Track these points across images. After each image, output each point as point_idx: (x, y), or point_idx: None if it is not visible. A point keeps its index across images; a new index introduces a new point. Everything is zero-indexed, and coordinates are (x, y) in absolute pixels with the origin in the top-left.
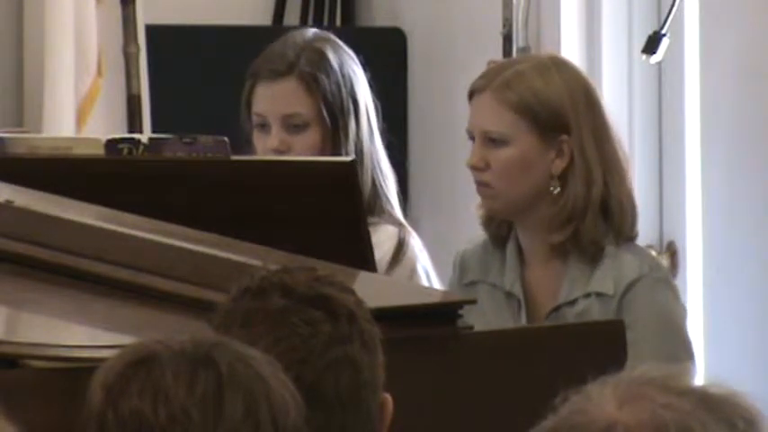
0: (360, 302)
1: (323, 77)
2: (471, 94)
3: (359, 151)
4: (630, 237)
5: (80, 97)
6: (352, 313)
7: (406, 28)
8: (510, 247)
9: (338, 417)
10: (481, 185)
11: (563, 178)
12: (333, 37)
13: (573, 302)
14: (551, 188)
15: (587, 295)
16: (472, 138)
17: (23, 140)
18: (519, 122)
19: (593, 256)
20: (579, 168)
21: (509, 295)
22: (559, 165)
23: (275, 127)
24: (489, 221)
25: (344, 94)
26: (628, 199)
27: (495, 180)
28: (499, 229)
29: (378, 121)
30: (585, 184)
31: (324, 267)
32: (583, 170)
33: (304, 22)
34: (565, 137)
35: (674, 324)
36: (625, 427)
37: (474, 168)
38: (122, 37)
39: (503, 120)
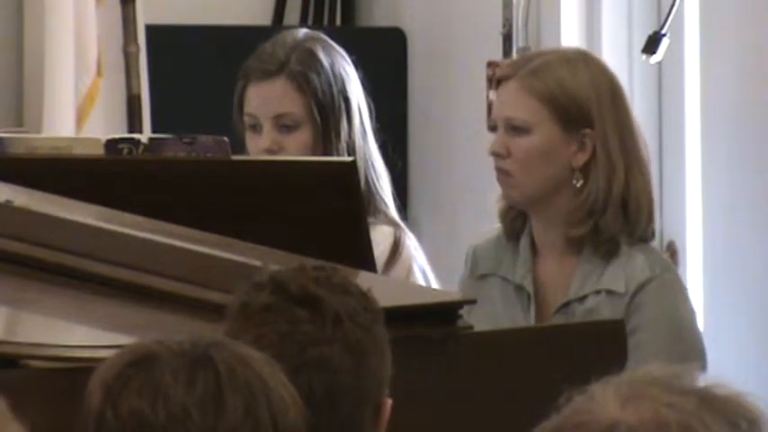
0: (359, 307)
1: (313, 76)
2: (498, 83)
3: (351, 150)
4: (645, 237)
5: (80, 97)
6: (339, 316)
7: (406, 28)
8: (523, 242)
9: (311, 417)
10: (501, 173)
11: (585, 172)
12: (323, 36)
13: (583, 299)
14: (574, 181)
15: (597, 292)
16: (495, 127)
17: (23, 140)
18: (542, 111)
19: (607, 253)
20: (602, 163)
21: (519, 289)
22: (581, 158)
23: (267, 127)
24: (506, 214)
25: (335, 93)
26: (646, 198)
27: (515, 168)
28: (514, 222)
29: (372, 120)
30: (607, 179)
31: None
32: (605, 165)
33: (304, 22)
34: (588, 130)
35: (683, 326)
36: (627, 427)
37: (495, 155)
38: (122, 37)
39: (526, 107)
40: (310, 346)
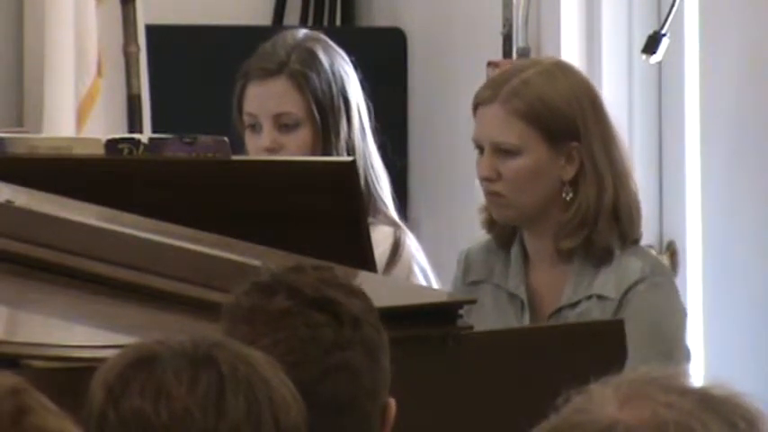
0: (367, 308)
1: (313, 76)
2: (476, 106)
3: (351, 150)
4: (636, 239)
5: (80, 97)
6: (357, 319)
7: (406, 28)
8: (515, 250)
9: (333, 420)
10: (493, 196)
11: (574, 184)
12: (324, 37)
13: (575, 305)
14: (564, 194)
15: (589, 297)
16: (479, 148)
17: (23, 140)
18: (530, 132)
19: (599, 260)
20: (590, 174)
21: (512, 296)
22: (570, 171)
23: (267, 126)
24: (492, 225)
25: (335, 93)
26: (634, 202)
27: (508, 190)
28: (503, 232)
29: (371, 121)
30: (597, 189)
31: (330, 266)
32: (593, 176)
33: (304, 22)
34: (574, 143)
35: (665, 327)
36: (626, 427)
37: (486, 180)
38: (122, 37)
39: (513, 130)
40: (333, 351)
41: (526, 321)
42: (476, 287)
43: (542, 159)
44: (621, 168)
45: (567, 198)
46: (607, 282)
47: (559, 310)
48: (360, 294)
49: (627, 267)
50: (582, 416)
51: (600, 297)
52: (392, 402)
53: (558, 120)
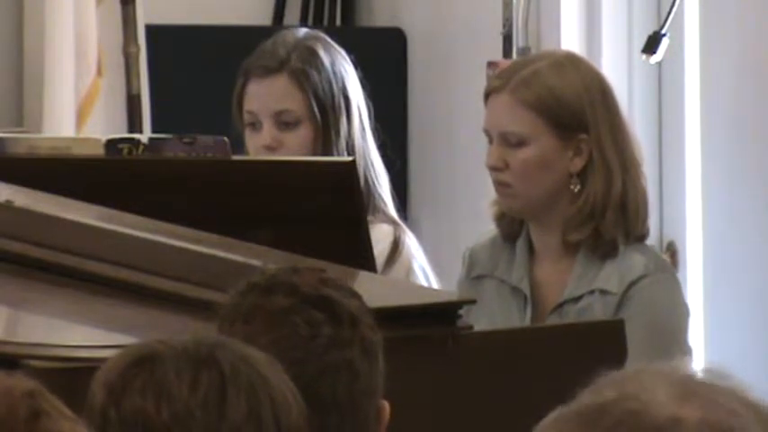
0: (364, 309)
1: (314, 74)
2: (488, 95)
3: (351, 149)
4: (642, 235)
5: (80, 97)
6: (355, 319)
7: (406, 28)
8: (520, 244)
9: (334, 420)
10: (500, 185)
11: (582, 176)
12: (324, 35)
13: (577, 299)
14: (572, 186)
15: (591, 292)
16: (489, 138)
17: (23, 140)
18: (538, 122)
19: (604, 255)
20: (598, 167)
21: (515, 290)
22: (578, 163)
23: (267, 124)
24: (501, 218)
25: (335, 91)
26: (642, 197)
27: (515, 180)
28: (511, 225)
29: (370, 120)
30: (605, 182)
31: (325, 268)
32: (602, 168)
33: (304, 22)
34: (583, 135)
35: (668, 324)
36: (690, 425)
37: (493, 169)
38: (122, 37)
39: (521, 119)
40: (333, 349)
41: (529, 316)
42: (479, 281)
43: (550, 150)
44: (631, 161)
45: (575, 190)
46: (610, 276)
47: (561, 304)
48: (356, 294)
49: (630, 263)
50: (635, 404)
51: (602, 291)
52: (386, 404)
53: (566, 111)
